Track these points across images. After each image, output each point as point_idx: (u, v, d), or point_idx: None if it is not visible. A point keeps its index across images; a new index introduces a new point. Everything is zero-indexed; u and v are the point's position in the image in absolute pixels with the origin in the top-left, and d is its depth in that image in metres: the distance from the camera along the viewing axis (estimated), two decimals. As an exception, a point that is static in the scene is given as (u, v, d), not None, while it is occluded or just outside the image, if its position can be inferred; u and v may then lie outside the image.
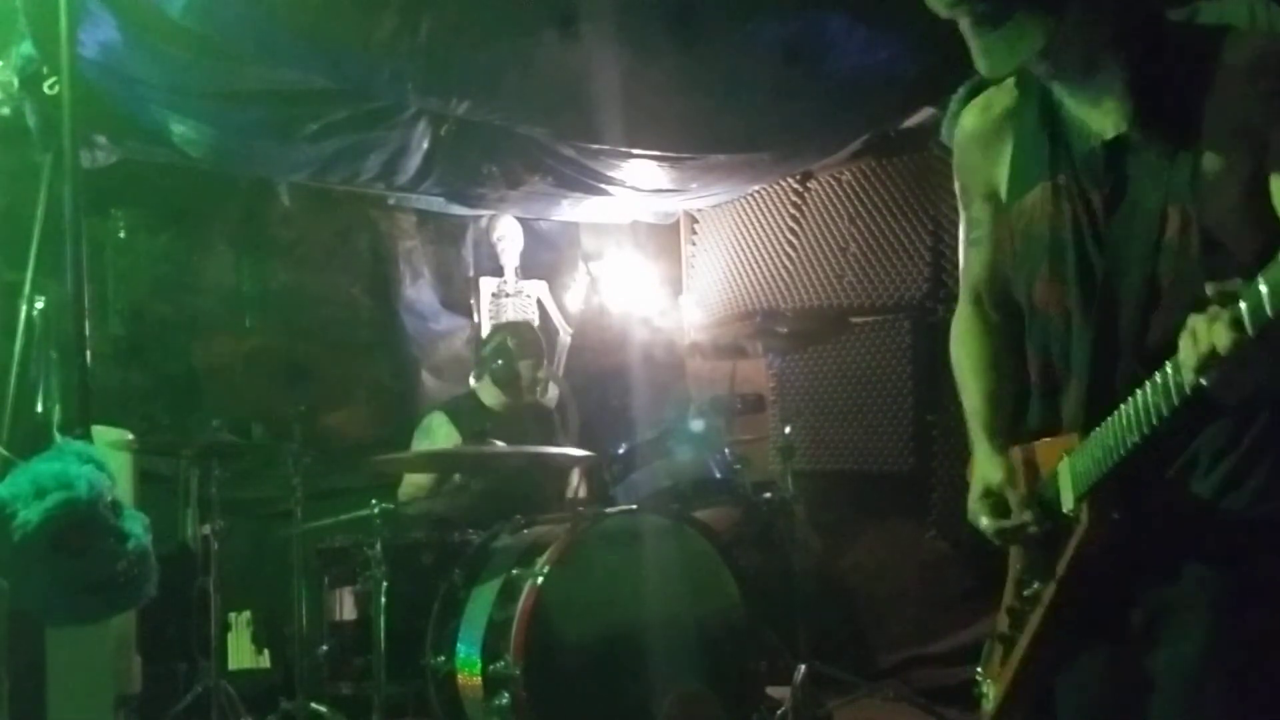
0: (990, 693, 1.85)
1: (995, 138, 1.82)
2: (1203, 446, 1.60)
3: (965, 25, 1.62)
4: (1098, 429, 1.61)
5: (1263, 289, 1.29)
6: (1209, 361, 1.37)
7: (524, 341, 4.68)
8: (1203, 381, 1.39)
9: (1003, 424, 1.83)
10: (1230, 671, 1.57)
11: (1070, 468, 1.65)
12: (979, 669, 1.89)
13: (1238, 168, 1.55)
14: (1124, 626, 1.67)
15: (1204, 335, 1.36)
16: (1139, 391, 1.51)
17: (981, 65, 1.63)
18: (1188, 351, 1.39)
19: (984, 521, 1.77)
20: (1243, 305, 1.32)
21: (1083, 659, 1.73)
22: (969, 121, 1.87)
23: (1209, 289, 1.39)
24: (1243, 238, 1.54)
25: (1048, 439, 1.74)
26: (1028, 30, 1.56)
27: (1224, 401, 1.43)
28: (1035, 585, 1.74)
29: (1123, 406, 1.55)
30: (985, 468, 1.80)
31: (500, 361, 4.62)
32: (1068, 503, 1.65)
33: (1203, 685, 1.58)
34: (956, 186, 1.90)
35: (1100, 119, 1.66)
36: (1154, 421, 1.49)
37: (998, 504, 1.76)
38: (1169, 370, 1.45)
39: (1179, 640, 1.60)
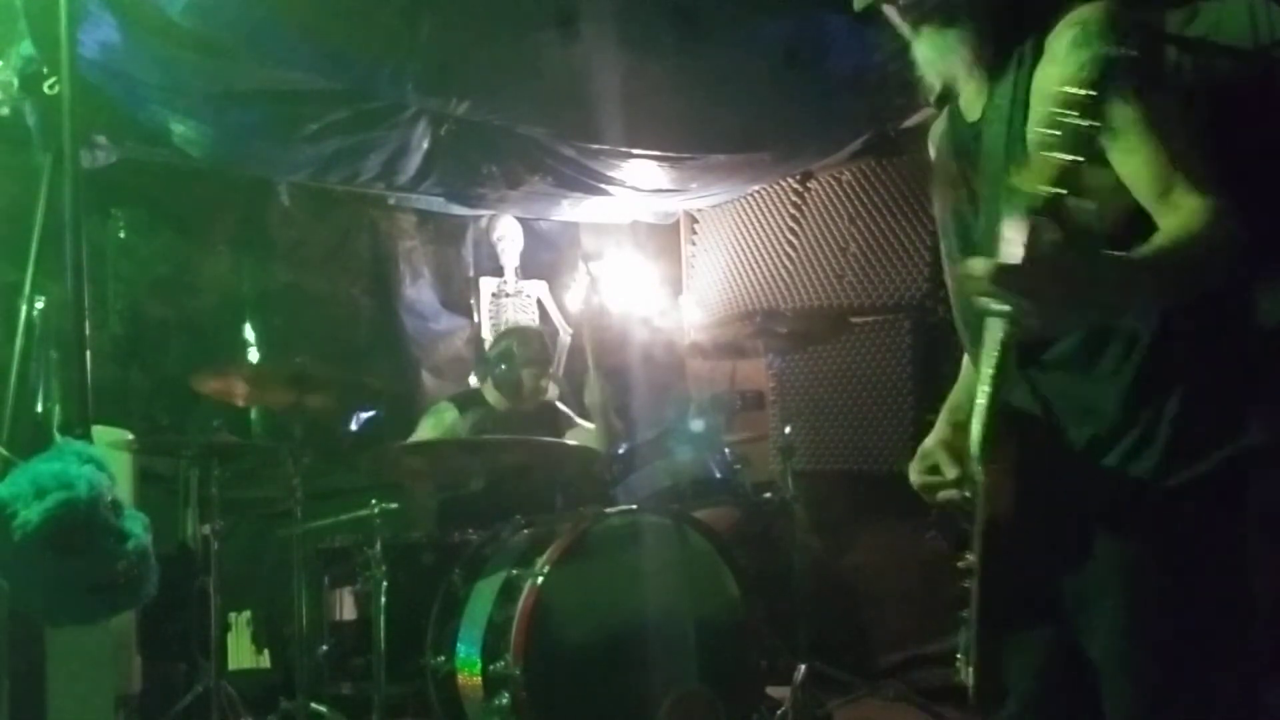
0: (971, 679, 1.81)
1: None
2: (1102, 429, 1.62)
3: None
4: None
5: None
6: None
7: (530, 349, 4.65)
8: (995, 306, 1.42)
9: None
10: (1154, 650, 1.60)
11: (972, 433, 1.67)
12: (958, 655, 1.84)
13: None
14: (1056, 608, 1.69)
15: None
16: None
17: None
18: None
19: (912, 476, 1.84)
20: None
21: (1029, 637, 1.75)
22: (939, 131, 1.91)
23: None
24: (1080, 208, 1.53)
25: None
26: None
27: (1037, 328, 1.45)
28: (969, 558, 1.73)
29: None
30: (930, 435, 1.87)
31: (504, 366, 4.60)
32: (972, 465, 1.67)
33: (1132, 671, 1.61)
34: None
35: (971, 100, 1.71)
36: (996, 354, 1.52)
37: (931, 466, 1.82)
38: None
39: (1101, 625, 1.63)
